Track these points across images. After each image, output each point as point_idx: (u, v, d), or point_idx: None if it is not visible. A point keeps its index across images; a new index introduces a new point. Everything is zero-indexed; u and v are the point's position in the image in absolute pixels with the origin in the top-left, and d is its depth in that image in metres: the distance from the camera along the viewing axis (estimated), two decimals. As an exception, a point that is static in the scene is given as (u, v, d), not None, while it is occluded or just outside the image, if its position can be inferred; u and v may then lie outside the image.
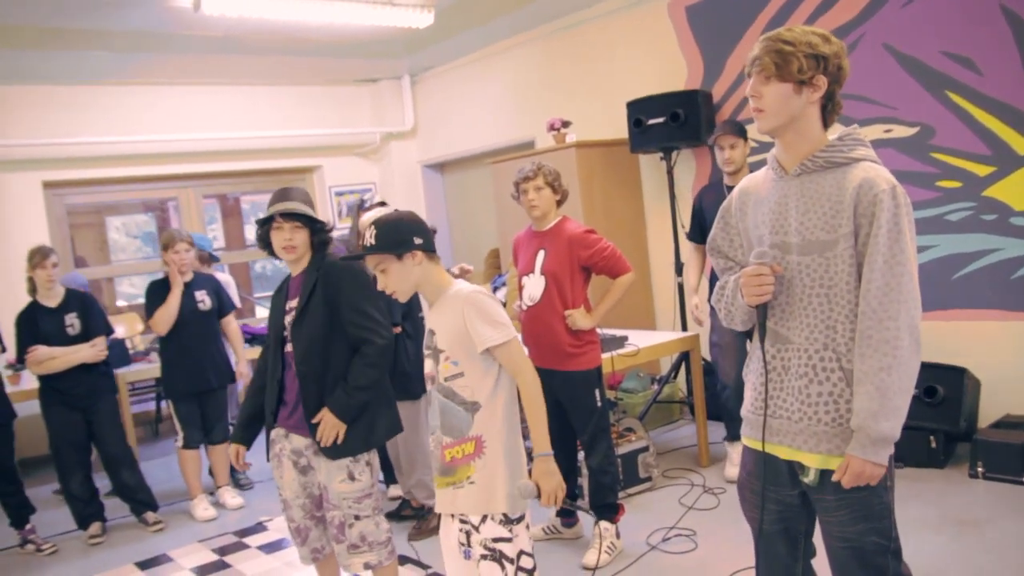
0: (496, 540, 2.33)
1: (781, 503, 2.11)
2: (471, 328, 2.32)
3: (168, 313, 4.83)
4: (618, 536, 3.83)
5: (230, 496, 5.16)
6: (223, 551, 4.41)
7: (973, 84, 4.49)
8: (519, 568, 2.34)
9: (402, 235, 2.38)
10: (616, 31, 6.36)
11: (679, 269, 5.81)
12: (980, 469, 4.13)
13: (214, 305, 5.10)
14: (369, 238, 2.37)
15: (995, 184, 4.46)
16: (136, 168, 7.20)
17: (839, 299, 1.95)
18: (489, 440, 2.33)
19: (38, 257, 4.70)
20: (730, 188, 4.08)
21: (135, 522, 4.96)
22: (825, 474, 1.98)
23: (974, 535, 3.55)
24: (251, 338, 6.65)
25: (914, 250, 1.90)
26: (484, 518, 2.34)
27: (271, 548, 4.39)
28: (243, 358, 5.34)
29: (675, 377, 5.91)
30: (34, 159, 6.73)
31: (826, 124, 2.01)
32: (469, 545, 2.38)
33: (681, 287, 5.82)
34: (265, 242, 3.09)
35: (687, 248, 4.85)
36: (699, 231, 4.60)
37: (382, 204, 4.67)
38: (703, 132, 5.52)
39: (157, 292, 4.90)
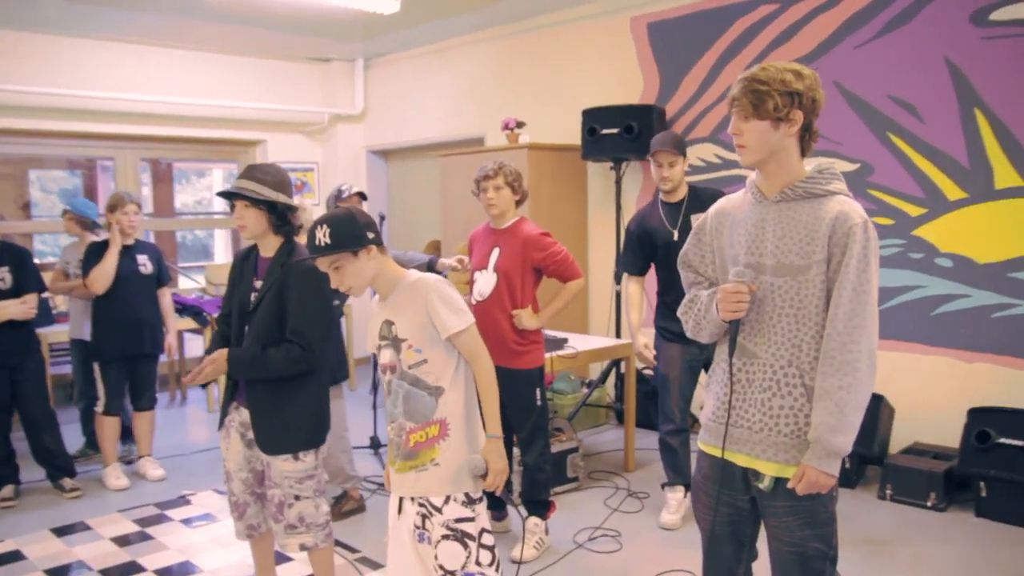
0: (459, 520, 2.40)
1: (733, 507, 2.25)
2: (435, 316, 2.39)
3: (105, 272, 4.72)
4: (547, 532, 3.92)
5: (151, 467, 5.07)
6: (144, 522, 4.34)
7: (914, 129, 4.73)
8: (481, 545, 2.43)
9: (357, 231, 2.38)
10: (578, 39, 6.46)
11: (618, 277, 5.95)
12: (889, 491, 4.37)
13: (154, 271, 5.02)
14: (323, 237, 2.35)
15: (924, 225, 4.71)
16: (73, 123, 6.96)
17: (807, 320, 2.09)
18: (453, 422, 2.41)
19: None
20: (667, 205, 4.08)
21: (50, 487, 4.83)
22: (779, 482, 2.12)
23: (884, 554, 3.76)
24: (181, 308, 6.53)
25: (876, 282, 2.06)
26: (447, 499, 2.40)
27: (195, 522, 4.34)
28: (172, 330, 5.25)
29: (604, 382, 6.05)
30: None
31: (804, 152, 2.15)
32: (425, 528, 2.43)
33: (619, 295, 5.96)
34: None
35: (625, 282, 4.31)
36: (641, 259, 4.20)
37: (361, 195, 4.66)
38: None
39: (97, 253, 4.79)
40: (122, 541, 4.10)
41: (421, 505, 2.44)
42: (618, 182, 5.98)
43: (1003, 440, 4.07)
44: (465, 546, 2.40)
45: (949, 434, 4.52)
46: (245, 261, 3.13)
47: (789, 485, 2.09)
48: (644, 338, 4.17)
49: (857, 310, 2.02)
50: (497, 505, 4.12)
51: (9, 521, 4.40)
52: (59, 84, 6.75)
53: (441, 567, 2.41)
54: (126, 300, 4.84)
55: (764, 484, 2.14)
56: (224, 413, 3.13)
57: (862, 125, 4.89)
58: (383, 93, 8.28)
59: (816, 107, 2.10)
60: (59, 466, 4.82)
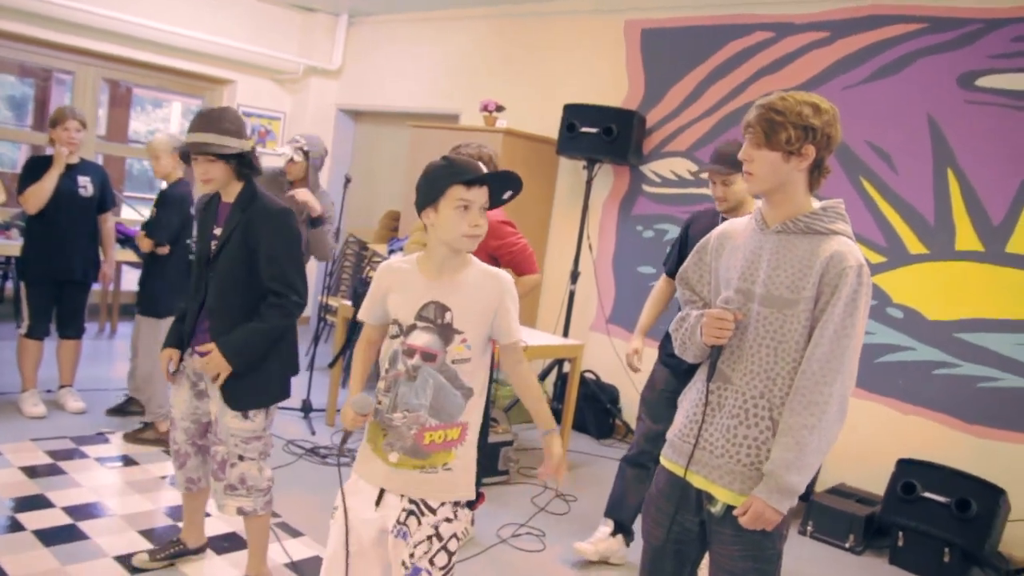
0: (445, 520, 2.21)
1: (682, 527, 2.24)
2: (504, 318, 2.19)
3: (42, 191, 4.48)
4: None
5: (72, 399, 4.88)
6: (58, 456, 4.17)
7: (886, 178, 4.80)
8: (444, 548, 2.21)
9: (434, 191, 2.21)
10: (569, 32, 6.40)
11: (574, 278, 5.92)
12: (810, 528, 4.44)
13: (95, 195, 4.78)
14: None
15: (882, 273, 4.78)
16: (33, 28, 6.63)
17: (785, 354, 2.08)
18: (471, 428, 2.25)
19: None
20: (725, 220, 3.56)
21: (-38, 404, 4.63)
22: (730, 509, 2.12)
23: (797, 589, 3.82)
24: (124, 239, 6.31)
25: (863, 329, 2.05)
26: (443, 503, 2.21)
27: (111, 462, 4.19)
28: (111, 259, 5.05)
29: (543, 380, 6.03)
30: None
31: (812, 188, 2.13)
32: (407, 525, 2.21)
33: (572, 295, 5.93)
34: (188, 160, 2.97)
35: (660, 282, 3.90)
36: (678, 261, 3.69)
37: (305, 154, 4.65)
38: (630, 153, 5.66)
39: (36, 168, 4.54)
40: (32, 472, 3.93)
41: (412, 502, 2.21)
42: (589, 182, 5.95)
43: (927, 494, 4.16)
44: (430, 543, 2.19)
45: (875, 480, 4.61)
46: (207, 206, 3.01)
47: (735, 513, 2.09)
48: (639, 343, 3.81)
49: (836, 353, 2.01)
50: None
51: (-87, 434, 4.20)
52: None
53: (404, 564, 2.20)
54: (60, 222, 4.60)
55: (716, 508, 2.14)
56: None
57: (837, 166, 4.93)
58: (363, 52, 8.11)
59: (831, 144, 2.08)
60: (-26, 384, 4.62)
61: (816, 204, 2.12)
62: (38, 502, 3.64)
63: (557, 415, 5.80)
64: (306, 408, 5.35)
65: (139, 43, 7.14)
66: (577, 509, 4.40)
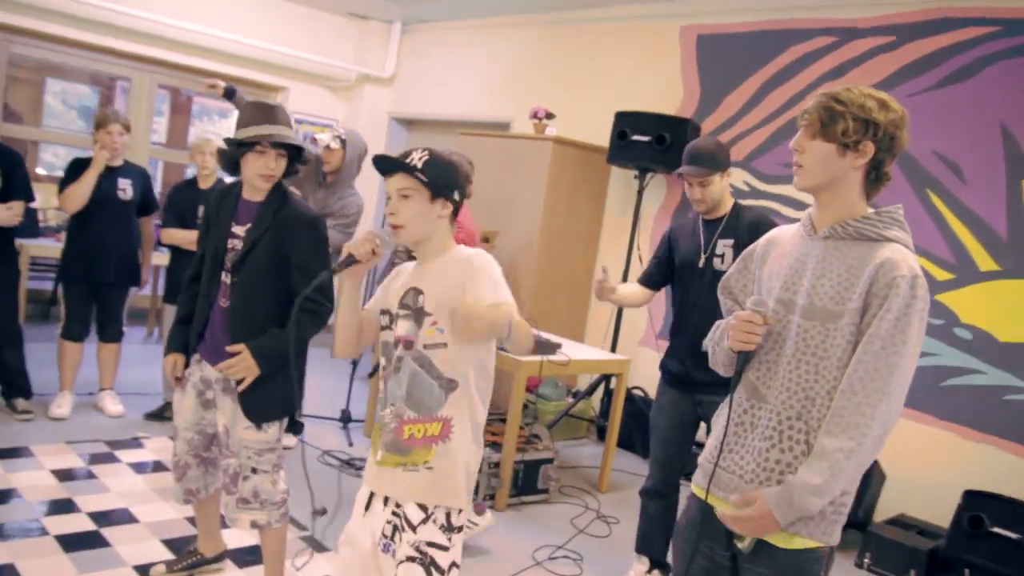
0: (431, 544, 2.09)
1: (711, 561, 2.03)
2: (473, 289, 2.04)
3: (80, 191, 4.47)
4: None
5: (111, 402, 4.85)
6: (91, 459, 4.14)
7: (955, 191, 4.51)
8: None
9: (451, 180, 2.16)
10: (621, 39, 6.23)
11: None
12: (867, 560, 4.16)
13: (135, 197, 4.75)
14: (418, 160, 2.10)
15: (949, 291, 4.50)
16: (91, 34, 6.72)
17: (826, 372, 1.87)
18: (457, 426, 2.11)
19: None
20: (706, 223, 3.41)
21: (2, 405, 4.62)
22: (761, 544, 1.91)
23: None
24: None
25: (917, 347, 1.83)
26: (425, 519, 2.10)
27: (143, 468, 4.14)
28: (149, 262, 5.02)
29: (590, 395, 5.84)
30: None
31: (869, 194, 1.93)
32: (392, 540, 2.14)
33: (621, 309, 5.74)
34: (232, 162, 2.78)
35: (636, 284, 3.72)
36: (657, 272, 3.63)
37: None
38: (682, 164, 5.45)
39: (77, 169, 4.54)
40: (63, 475, 3.90)
41: (395, 515, 2.14)
42: (640, 192, 5.76)
43: (996, 529, 3.86)
44: (428, 574, 2.08)
45: (939, 511, 4.30)
46: (223, 201, 2.87)
47: (731, 500, 1.91)
48: (602, 278, 3.45)
49: (882, 371, 1.79)
50: None
51: (-48, 433, 4.20)
52: (87, -7, 6.52)
53: None
54: (98, 224, 4.58)
55: (744, 544, 1.93)
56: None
57: (901, 176, 4.66)
58: (416, 61, 8.05)
59: (894, 147, 1.87)
60: (15, 384, 4.60)
61: (871, 210, 1.92)
62: (65, 506, 3.59)
63: (602, 432, 5.62)
64: (345, 418, 5.25)
65: (193, 49, 7.18)
66: (619, 532, 4.20)
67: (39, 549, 3.20)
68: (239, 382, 2.71)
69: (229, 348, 2.73)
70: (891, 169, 1.93)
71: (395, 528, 2.13)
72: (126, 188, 4.69)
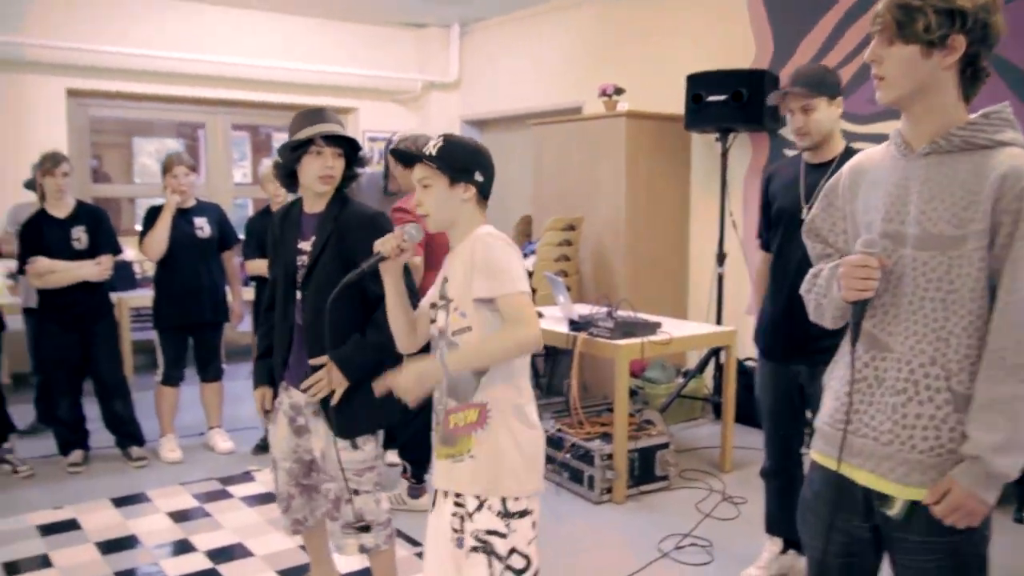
0: (489, 532, 2.05)
1: (849, 535, 1.79)
2: (473, 274, 2.03)
3: (156, 238, 4.52)
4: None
5: (220, 439, 4.89)
6: (204, 498, 4.15)
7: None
8: (507, 567, 2.04)
9: (467, 163, 2.10)
10: (682, 1, 5.96)
11: (720, 259, 5.46)
12: (1029, 514, 3.79)
13: (214, 234, 4.78)
14: (431, 148, 2.07)
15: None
16: (164, 86, 6.89)
17: (958, 307, 1.61)
18: (495, 410, 2.04)
19: (49, 163, 4.43)
20: (808, 167, 2.98)
21: (119, 454, 4.71)
22: (915, 509, 1.66)
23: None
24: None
25: None
26: (480, 505, 2.05)
27: (255, 501, 4.12)
28: (239, 296, 5.02)
29: (701, 372, 5.58)
30: (59, 64, 6.42)
31: (967, 97, 1.66)
32: (462, 531, 2.10)
33: (721, 278, 5.47)
34: (289, 172, 2.68)
35: (759, 259, 3.37)
36: (764, 227, 3.27)
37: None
38: (765, 117, 5.15)
39: (153, 217, 4.60)
40: (179, 516, 3.91)
41: (457, 504, 2.10)
42: (724, 155, 5.47)
43: None
44: (489, 564, 2.04)
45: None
46: (285, 220, 2.79)
47: (926, 500, 1.62)
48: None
49: None
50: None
51: (74, 487, 4.28)
52: (151, 46, 6.67)
53: None
54: (182, 266, 4.63)
55: (895, 511, 1.68)
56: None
57: (1015, 99, 4.25)
58: (479, 60, 7.94)
59: (988, 36, 1.60)
60: (128, 433, 4.69)
61: (972, 115, 1.65)
62: (182, 547, 3.59)
63: (718, 410, 5.36)
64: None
65: (260, 85, 7.27)
66: (748, 512, 3.95)
67: (159, 593, 3.19)
68: (328, 398, 2.61)
69: (312, 361, 2.63)
70: (988, 64, 1.66)
71: (461, 520, 2.10)
72: (203, 226, 4.72)
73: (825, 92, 2.88)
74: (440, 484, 2.15)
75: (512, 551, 2.05)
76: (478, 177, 2.11)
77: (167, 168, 4.62)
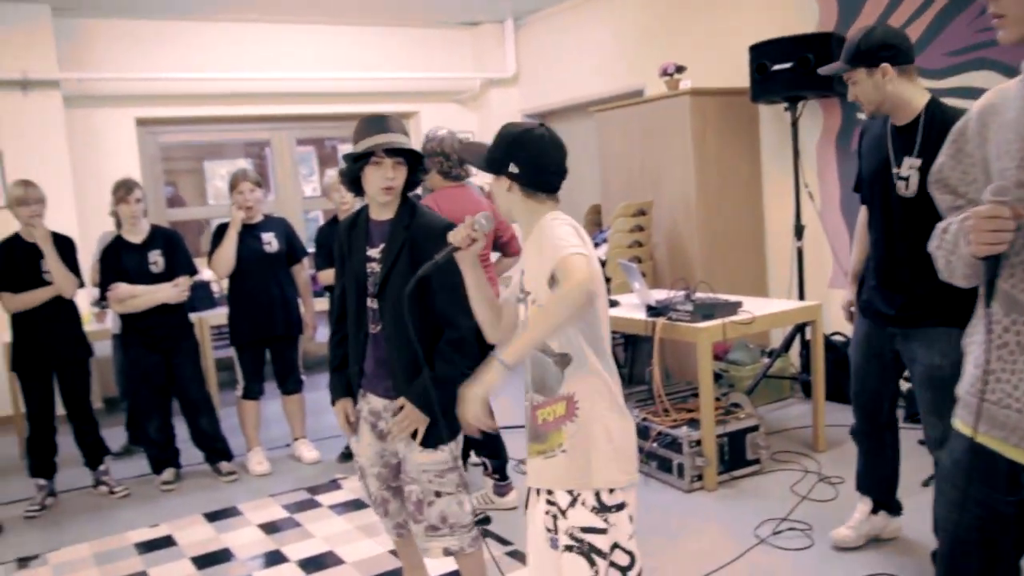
0: (585, 530, 1.94)
1: (988, 509, 1.65)
2: (544, 255, 1.94)
3: (223, 255, 4.59)
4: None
5: (306, 449, 4.93)
6: (294, 508, 4.18)
7: None
8: (612, 564, 1.95)
9: (497, 154, 2.06)
10: (741, -32, 5.78)
11: (798, 232, 5.27)
12: None
13: (282, 248, 4.80)
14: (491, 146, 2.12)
15: None
16: (228, 107, 7.01)
17: None
18: (583, 401, 1.94)
19: (122, 191, 4.52)
20: (895, 129, 2.81)
21: (209, 470, 4.79)
22: None
23: None
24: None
25: None
26: (573, 501, 1.95)
27: (344, 509, 4.13)
28: (311, 308, 5.04)
29: (787, 351, 5.40)
30: (127, 95, 6.60)
31: None
32: (557, 530, 2.00)
33: (800, 252, 5.28)
34: (353, 180, 2.65)
35: (861, 215, 3.21)
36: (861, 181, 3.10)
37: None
38: (835, 81, 4.93)
39: (220, 234, 4.66)
40: (270, 528, 3.95)
41: (549, 503, 2.00)
42: (794, 124, 5.27)
43: None
44: (592, 563, 1.93)
45: None
46: (353, 229, 2.75)
47: None
48: (853, 293, 3.27)
49: None
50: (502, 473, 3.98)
51: (168, 504, 4.37)
52: (211, 69, 6.80)
53: None
54: (253, 282, 4.68)
55: None
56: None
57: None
58: (535, 53, 7.86)
59: None
60: (216, 449, 4.77)
61: None
62: (274, 558, 3.61)
63: (807, 388, 5.17)
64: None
65: (322, 97, 7.33)
66: (846, 492, 3.78)
67: (254, 605, 3.21)
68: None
69: (394, 405, 2.61)
70: None
71: (554, 519, 2.01)
72: (271, 241, 4.75)
73: (860, 63, 2.75)
74: (532, 482, 2.07)
75: (615, 546, 1.95)
76: (512, 168, 2.03)
77: (233, 185, 4.67)
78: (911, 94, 2.74)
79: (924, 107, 2.73)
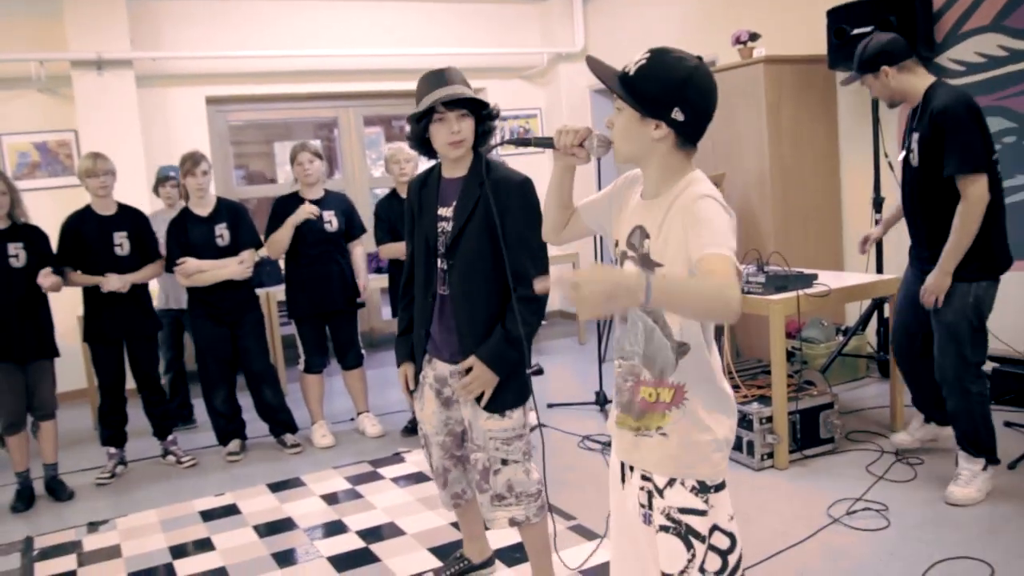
0: (684, 511, 1.76)
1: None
2: (691, 234, 1.62)
3: (279, 240, 4.61)
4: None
5: (370, 423, 4.93)
6: (356, 480, 4.17)
7: None
8: (710, 547, 1.76)
9: (662, 95, 1.68)
10: (818, -70, 5.53)
11: (877, 205, 5.04)
12: None
13: (341, 226, 4.78)
14: (634, 66, 1.71)
15: None
16: (296, 85, 7.05)
17: None
18: (692, 392, 1.76)
19: (189, 164, 4.55)
20: (912, 113, 3.37)
21: (274, 442, 4.82)
22: None
23: None
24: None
25: None
26: (671, 481, 1.77)
27: (406, 481, 4.11)
28: (364, 276, 4.98)
29: (864, 329, 5.18)
30: (197, 74, 6.67)
31: None
32: (651, 508, 1.82)
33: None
34: (421, 141, 2.55)
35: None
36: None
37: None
38: (919, 44, 4.69)
39: (281, 210, 4.64)
40: (331, 499, 3.94)
41: (644, 479, 1.82)
42: (875, 92, 5.04)
43: None
44: (688, 545, 1.75)
45: None
46: (424, 188, 2.65)
47: None
48: (878, 232, 4.11)
49: None
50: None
51: (234, 475, 4.41)
52: (279, 47, 6.83)
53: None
54: (311, 259, 4.67)
55: None
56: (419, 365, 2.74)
57: None
58: (603, 26, 7.70)
59: None
60: (281, 421, 4.79)
61: None
62: (335, 527, 3.61)
63: (884, 368, 4.96)
64: (601, 400, 5.00)
65: (389, 74, 7.30)
66: (925, 473, 3.60)
67: (312, 572, 3.20)
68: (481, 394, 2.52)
69: (461, 367, 2.53)
70: None
71: (649, 494, 1.81)
72: (331, 220, 4.72)
73: (866, 70, 3.36)
74: (622, 456, 1.89)
75: (714, 529, 1.78)
76: (676, 115, 1.67)
77: (293, 157, 4.66)
78: (913, 83, 3.31)
79: (925, 93, 3.28)
